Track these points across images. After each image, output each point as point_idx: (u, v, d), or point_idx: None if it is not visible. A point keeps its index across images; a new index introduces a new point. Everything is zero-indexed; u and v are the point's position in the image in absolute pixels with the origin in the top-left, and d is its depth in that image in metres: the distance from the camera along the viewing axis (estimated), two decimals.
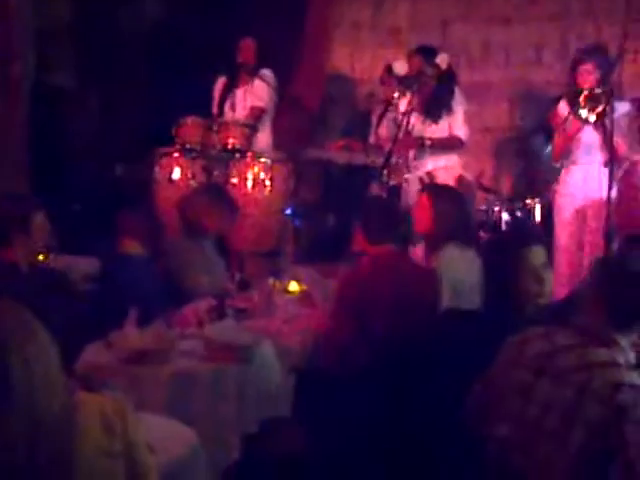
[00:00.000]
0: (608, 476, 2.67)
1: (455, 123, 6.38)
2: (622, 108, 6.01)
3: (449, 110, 6.35)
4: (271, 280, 5.02)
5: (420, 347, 3.79)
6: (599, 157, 6.13)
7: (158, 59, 8.20)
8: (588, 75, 6.08)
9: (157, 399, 3.62)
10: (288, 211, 6.76)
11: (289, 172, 6.79)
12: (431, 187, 5.27)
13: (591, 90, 5.89)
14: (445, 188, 5.32)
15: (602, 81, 6.07)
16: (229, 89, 7.17)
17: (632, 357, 2.86)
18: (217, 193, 5.59)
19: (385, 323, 4.09)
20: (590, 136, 6.13)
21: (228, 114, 7.10)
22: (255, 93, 7.09)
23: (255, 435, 3.97)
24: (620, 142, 5.97)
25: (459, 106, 6.40)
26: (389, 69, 7.10)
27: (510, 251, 3.52)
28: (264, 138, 7.13)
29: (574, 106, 5.93)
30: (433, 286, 4.36)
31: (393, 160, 6.17)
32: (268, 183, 6.62)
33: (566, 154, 6.24)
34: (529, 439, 2.82)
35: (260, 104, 7.09)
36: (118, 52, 8.10)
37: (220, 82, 7.24)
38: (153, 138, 6.99)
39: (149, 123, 7.73)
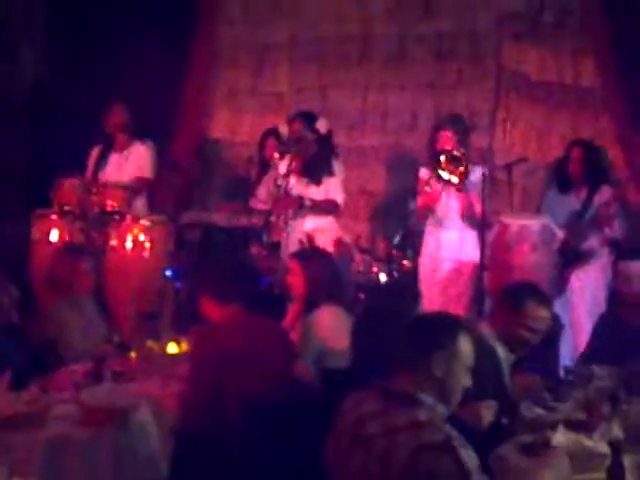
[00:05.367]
0: None
1: (334, 187, 6.49)
2: (476, 173, 6.26)
3: (330, 172, 6.47)
4: (150, 342, 4.99)
5: (281, 402, 3.90)
6: (458, 221, 6.38)
7: (37, 120, 8.15)
8: (448, 141, 6.33)
9: (31, 465, 3.55)
10: (168, 273, 6.74)
11: (168, 234, 6.80)
12: (300, 253, 5.34)
13: (450, 152, 6.12)
14: (314, 253, 5.39)
15: (460, 146, 6.32)
16: (103, 154, 7.20)
17: (441, 409, 2.86)
18: (76, 252, 5.57)
19: (241, 382, 4.07)
20: (449, 200, 6.36)
21: (102, 178, 7.08)
22: (138, 161, 7.14)
23: None
24: (477, 205, 6.23)
25: (339, 171, 6.53)
26: (272, 131, 7.21)
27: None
28: (141, 201, 7.15)
29: (436, 169, 6.15)
30: (285, 341, 4.46)
31: (273, 219, 6.29)
32: (148, 245, 6.60)
33: (426, 217, 6.45)
34: None
35: (146, 175, 7.14)
36: None
37: (95, 150, 7.26)
38: (31, 199, 6.92)
39: (27, 183, 7.67)
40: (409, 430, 2.73)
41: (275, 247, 6.36)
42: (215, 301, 4.38)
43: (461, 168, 6.08)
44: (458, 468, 2.65)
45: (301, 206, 6.38)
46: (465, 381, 2.93)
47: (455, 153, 6.11)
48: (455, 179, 6.11)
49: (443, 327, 2.98)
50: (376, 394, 2.90)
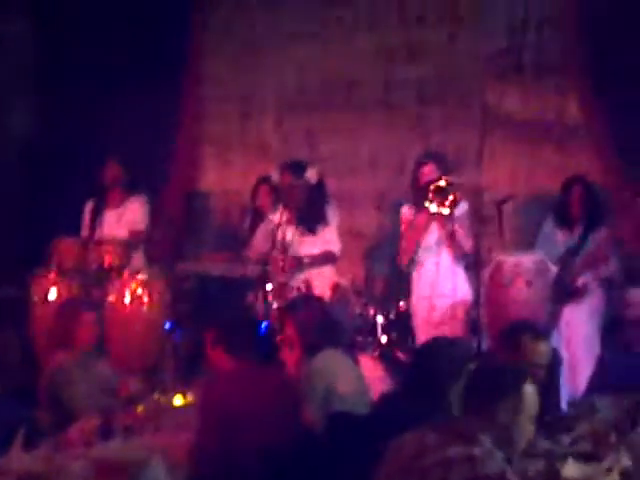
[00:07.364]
0: None
1: (330, 237, 6.56)
2: (460, 208, 6.34)
3: (325, 222, 6.53)
4: (156, 395, 5.03)
5: (291, 449, 3.96)
6: (446, 256, 6.44)
7: (29, 178, 8.23)
8: (430, 174, 6.41)
9: None
10: (167, 326, 6.77)
11: (165, 287, 6.83)
12: (289, 304, 5.37)
13: (437, 183, 6.18)
14: (303, 300, 5.41)
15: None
16: (98, 210, 7.26)
17: (498, 453, 2.95)
18: (78, 305, 5.62)
19: (250, 431, 4.12)
20: (435, 236, 6.42)
21: (99, 234, 7.14)
22: (131, 216, 7.22)
23: None
24: (465, 239, 6.31)
25: (333, 218, 6.60)
26: (264, 179, 7.29)
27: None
28: (138, 255, 7.20)
29: (423, 203, 6.19)
30: (290, 389, 4.50)
31: (269, 268, 6.35)
32: (146, 299, 6.63)
33: (412, 256, 6.51)
34: None
35: (139, 227, 7.22)
36: None
37: (89, 206, 7.32)
38: (26, 259, 6.97)
39: (22, 243, 7.72)
40: (464, 463, 2.86)
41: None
42: (228, 354, 4.42)
43: (450, 197, 6.14)
44: None
45: (300, 265, 6.44)
46: (529, 432, 3.07)
47: (442, 183, 6.17)
48: (445, 210, 6.17)
49: (509, 376, 3.10)
50: (437, 432, 3.02)
